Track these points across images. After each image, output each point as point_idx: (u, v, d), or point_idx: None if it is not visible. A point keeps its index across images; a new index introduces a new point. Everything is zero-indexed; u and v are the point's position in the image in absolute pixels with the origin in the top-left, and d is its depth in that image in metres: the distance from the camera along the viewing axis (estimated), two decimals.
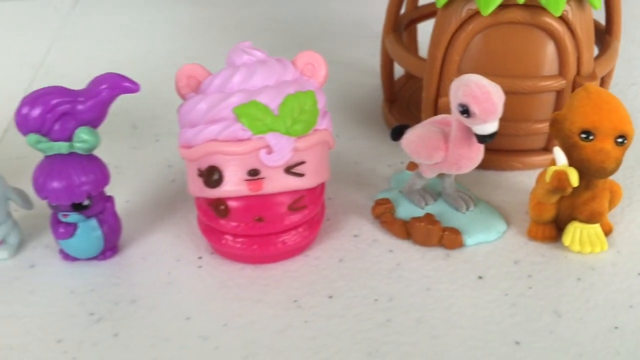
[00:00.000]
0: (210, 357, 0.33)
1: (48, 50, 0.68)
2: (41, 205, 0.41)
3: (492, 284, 0.37)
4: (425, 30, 0.57)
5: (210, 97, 0.37)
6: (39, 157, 0.49)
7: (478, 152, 0.37)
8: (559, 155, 0.36)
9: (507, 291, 0.36)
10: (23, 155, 0.50)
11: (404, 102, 0.54)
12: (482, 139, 0.35)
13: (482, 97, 0.34)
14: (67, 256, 0.39)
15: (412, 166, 0.46)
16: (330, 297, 0.36)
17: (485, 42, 0.43)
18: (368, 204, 0.43)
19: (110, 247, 0.39)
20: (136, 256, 0.40)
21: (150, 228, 0.42)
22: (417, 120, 0.49)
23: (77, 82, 0.61)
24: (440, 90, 0.45)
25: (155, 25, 0.74)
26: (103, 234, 0.38)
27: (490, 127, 0.35)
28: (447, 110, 0.45)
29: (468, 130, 0.36)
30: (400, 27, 0.52)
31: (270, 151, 0.36)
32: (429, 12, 0.55)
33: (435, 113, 0.46)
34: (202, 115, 0.37)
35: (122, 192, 0.44)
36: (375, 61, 0.64)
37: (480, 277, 0.37)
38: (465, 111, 0.34)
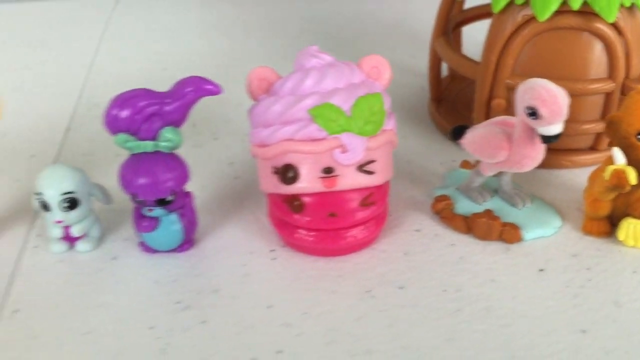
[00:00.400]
0: (294, 343, 0.35)
1: (96, 50, 0.70)
2: (117, 201, 0.43)
3: (553, 276, 0.39)
4: (466, 32, 0.59)
5: (284, 99, 0.39)
6: (104, 155, 0.52)
7: (540, 152, 0.39)
8: (618, 155, 0.38)
9: (568, 283, 0.38)
10: (88, 153, 0.52)
11: (450, 101, 0.56)
12: (546, 139, 0.37)
13: (549, 100, 0.36)
14: (147, 248, 0.42)
15: (466, 164, 0.48)
16: (401, 287, 0.39)
17: (538, 46, 0.45)
18: (425, 200, 0.46)
19: (187, 241, 0.42)
20: (211, 249, 0.42)
21: (221, 223, 0.44)
22: (464, 119, 0.51)
23: (130, 82, 0.63)
24: (493, 93, 0.47)
25: (193, 25, 0.77)
26: (183, 228, 0.41)
27: (555, 128, 0.37)
28: (500, 112, 0.47)
29: (532, 131, 0.38)
30: (449, 29, 0.54)
31: (344, 150, 0.38)
32: (473, 15, 0.57)
33: (487, 114, 0.48)
34: (277, 116, 0.39)
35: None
36: (414, 62, 0.67)
37: (541, 270, 0.39)
38: (533, 113, 0.36)
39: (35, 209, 0.41)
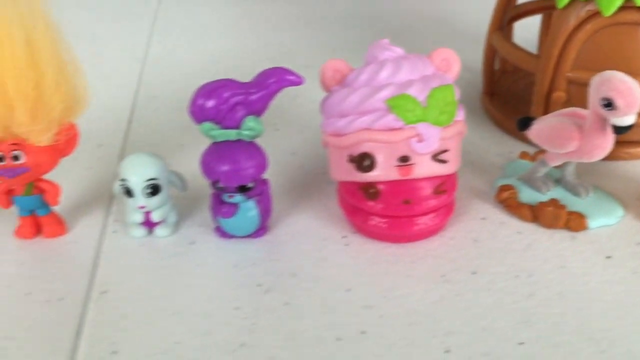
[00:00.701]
0: (377, 323, 0.37)
1: (147, 44, 0.71)
2: (190, 188, 0.45)
3: (620, 263, 0.40)
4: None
5: (360, 90, 0.41)
6: (169, 145, 0.53)
7: (611, 142, 0.40)
8: None
9: (636, 269, 0.40)
10: (153, 143, 0.54)
11: (502, 95, 0.58)
12: (619, 130, 0.39)
13: (626, 91, 0.37)
14: (224, 234, 0.43)
15: (525, 155, 0.49)
16: (474, 273, 0.40)
17: (599, 40, 0.46)
18: (487, 190, 0.47)
19: (262, 227, 0.43)
20: (285, 235, 0.43)
21: (291, 210, 0.45)
22: (518, 111, 0.52)
23: (184, 75, 0.64)
24: (554, 85, 0.48)
25: (240, 19, 0.78)
26: (259, 214, 0.42)
27: (629, 119, 0.38)
28: (560, 104, 0.48)
29: (604, 122, 0.39)
30: (504, 24, 0.55)
31: (420, 139, 0.40)
32: (525, 11, 0.58)
33: (547, 106, 0.49)
34: (354, 106, 0.40)
35: None
36: (462, 56, 0.68)
37: (608, 257, 0.41)
38: (608, 104, 0.38)
39: (115, 194, 0.43)
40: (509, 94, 0.57)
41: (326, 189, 0.48)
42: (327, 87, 0.43)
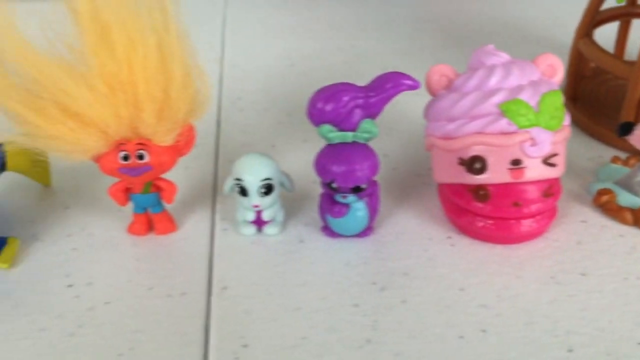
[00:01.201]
0: (496, 323, 0.38)
1: (222, 45, 0.73)
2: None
3: None
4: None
5: (472, 95, 0.42)
6: (261, 145, 0.55)
7: None
8: None
9: None
10: (245, 143, 0.55)
11: (586, 99, 0.58)
12: None
13: None
14: (331, 233, 0.44)
15: (617, 160, 0.50)
16: (583, 274, 0.41)
17: None
18: (582, 193, 0.48)
19: (369, 227, 0.44)
20: (390, 235, 0.45)
21: (392, 211, 0.47)
22: (603, 116, 0.54)
23: (264, 77, 0.65)
24: None
25: (303, 22, 0.79)
26: (368, 214, 0.43)
27: None
28: None
29: None
30: (591, 30, 0.56)
31: (533, 143, 0.41)
32: (606, 17, 0.59)
33: (638, 112, 0.50)
34: (465, 110, 0.42)
35: None
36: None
37: None
38: None
39: (226, 193, 0.44)
40: (592, 99, 0.58)
41: (423, 190, 0.49)
42: (433, 92, 0.44)
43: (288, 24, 0.78)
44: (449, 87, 0.44)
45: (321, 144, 0.54)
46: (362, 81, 0.59)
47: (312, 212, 0.47)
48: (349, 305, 0.39)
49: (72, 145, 0.39)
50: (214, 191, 0.50)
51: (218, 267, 0.42)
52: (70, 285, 0.41)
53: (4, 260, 0.42)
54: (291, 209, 0.47)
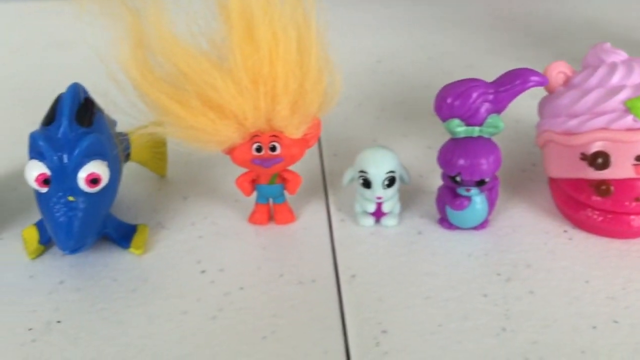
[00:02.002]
0: (626, 314, 0.38)
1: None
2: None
3: None
4: None
5: (595, 91, 0.43)
6: (361, 140, 0.56)
7: None
8: None
9: None
10: (346, 138, 0.57)
11: None
12: None
13: None
14: (449, 225, 0.45)
15: None
16: None
17: None
18: None
19: (486, 220, 0.45)
20: (507, 228, 0.46)
21: (503, 205, 0.47)
22: None
23: (352, 73, 0.64)
24: None
25: (384, 20, 0.81)
26: (487, 208, 0.44)
27: None
28: None
29: None
30: None
31: None
32: None
33: None
34: (589, 107, 0.42)
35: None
36: None
37: None
38: None
39: (345, 184, 0.46)
40: None
41: (530, 185, 0.50)
42: (552, 88, 0.45)
43: (369, 23, 0.79)
44: (567, 84, 0.45)
45: (421, 138, 0.56)
46: (450, 78, 0.60)
47: (425, 204, 0.48)
48: (479, 295, 0.40)
49: (211, 135, 0.41)
50: (324, 183, 0.51)
51: (342, 256, 0.44)
52: (203, 271, 0.43)
53: (137, 246, 0.44)
54: (404, 201, 0.48)
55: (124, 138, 0.46)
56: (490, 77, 0.43)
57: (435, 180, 0.50)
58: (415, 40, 0.75)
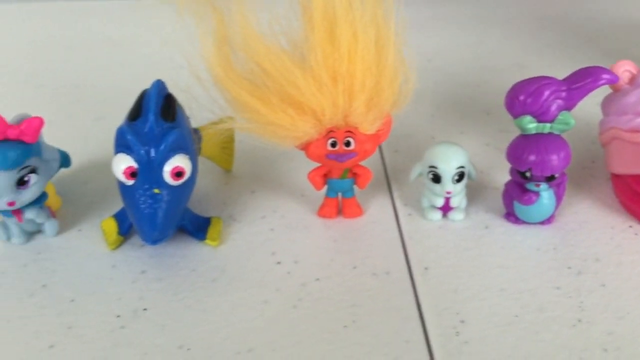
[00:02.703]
0: None
1: None
2: None
3: None
4: None
5: None
6: (422, 137, 0.57)
7: None
8: None
9: None
10: (406, 134, 0.58)
11: None
12: None
13: None
14: (516, 220, 0.46)
15: None
16: None
17: None
18: None
19: (552, 215, 0.46)
20: (573, 223, 0.47)
21: (568, 201, 0.48)
22: None
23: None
24: None
25: (428, 20, 0.82)
26: (555, 203, 0.45)
27: None
28: None
29: None
30: None
31: None
32: None
33: None
34: None
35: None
36: None
37: None
38: None
39: (412, 179, 0.47)
40: None
41: (591, 182, 0.51)
42: (617, 87, 0.46)
43: (415, 22, 0.80)
44: (632, 82, 0.46)
45: (478, 136, 0.57)
46: (501, 76, 0.61)
47: (489, 200, 0.49)
48: (551, 288, 0.41)
49: (289, 131, 0.42)
50: (387, 179, 0.52)
51: (412, 249, 0.45)
52: (278, 263, 0.44)
53: (212, 238, 0.45)
54: (469, 197, 0.49)
55: (196, 134, 0.48)
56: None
57: (496, 176, 0.51)
58: (461, 39, 0.76)
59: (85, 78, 0.69)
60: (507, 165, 0.46)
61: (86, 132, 0.59)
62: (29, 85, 0.68)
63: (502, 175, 0.51)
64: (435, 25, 0.80)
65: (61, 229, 0.47)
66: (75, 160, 0.54)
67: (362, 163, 0.46)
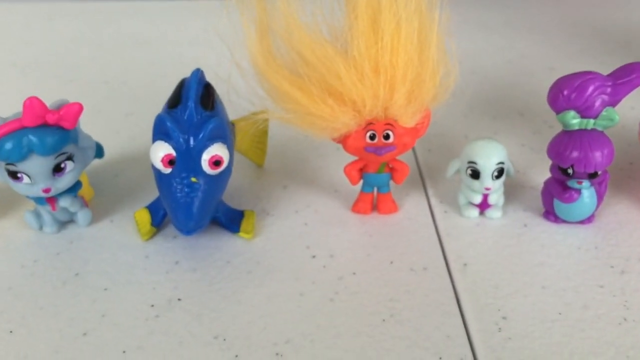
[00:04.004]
0: None
1: None
2: None
3: None
4: None
5: None
6: (454, 135, 0.56)
7: None
8: None
9: None
10: (439, 133, 0.57)
11: None
12: None
13: None
14: (555, 218, 0.45)
15: None
16: None
17: None
18: None
19: (592, 214, 0.45)
20: (613, 223, 0.46)
21: (607, 201, 0.47)
22: None
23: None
24: None
25: (457, 23, 0.81)
26: (596, 202, 0.44)
27: None
28: None
29: None
30: None
31: None
32: None
33: None
34: None
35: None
36: None
37: None
38: None
39: (449, 176, 0.46)
40: None
41: (629, 183, 0.50)
42: None
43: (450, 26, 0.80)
44: None
45: (513, 136, 0.56)
46: (534, 79, 0.60)
47: (527, 198, 0.48)
48: (595, 286, 0.40)
49: (328, 122, 0.42)
50: (421, 177, 0.52)
51: (449, 245, 0.44)
52: (314, 256, 0.43)
53: (246, 230, 0.45)
54: (506, 195, 0.48)
55: (231, 127, 0.47)
56: None
57: (533, 176, 0.51)
58: (491, 43, 0.75)
59: (115, 75, 0.69)
60: (544, 166, 0.46)
61: (117, 127, 0.59)
62: (61, 80, 0.68)
63: (539, 175, 0.50)
64: (466, 29, 0.79)
65: (93, 220, 0.46)
66: (106, 154, 0.54)
67: (399, 158, 0.45)
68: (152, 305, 0.39)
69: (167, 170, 0.41)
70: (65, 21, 0.84)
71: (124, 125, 0.59)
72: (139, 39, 0.79)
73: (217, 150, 0.41)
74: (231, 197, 0.49)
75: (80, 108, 0.41)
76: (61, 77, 0.69)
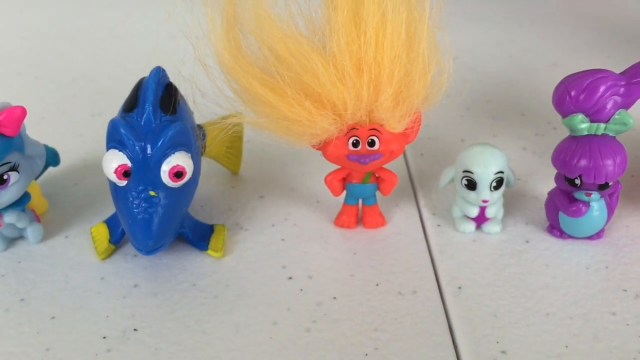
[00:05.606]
0: None
1: None
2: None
3: None
4: None
5: None
6: (448, 139, 0.51)
7: None
8: None
9: None
10: (432, 136, 0.52)
11: None
12: None
13: None
14: (561, 234, 0.41)
15: None
16: None
17: None
18: None
19: (602, 229, 0.41)
20: (626, 238, 0.41)
21: (617, 213, 0.43)
22: None
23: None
24: None
25: (455, 17, 0.76)
26: (606, 215, 0.40)
27: None
28: None
29: None
30: None
31: None
32: None
33: None
34: None
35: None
36: None
37: None
38: None
39: (442, 186, 0.41)
40: None
41: (633, 195, 0.45)
42: None
43: (442, 18, 0.75)
44: None
45: (514, 139, 0.51)
46: (537, 75, 0.55)
47: (529, 210, 0.43)
48: (606, 313, 0.36)
49: (305, 127, 0.37)
50: (412, 185, 0.47)
51: (442, 265, 0.39)
52: (290, 278, 0.38)
53: (215, 248, 0.40)
54: (505, 206, 0.43)
55: (200, 131, 0.43)
56: None
57: (536, 184, 0.46)
58: (491, 37, 0.70)
59: (83, 71, 0.64)
60: (548, 172, 0.41)
61: (82, 129, 0.54)
62: (24, 77, 0.63)
63: (543, 183, 0.46)
64: (462, 22, 0.74)
65: (46, 235, 0.41)
66: (68, 159, 0.49)
67: (386, 166, 0.40)
68: (104, 337, 0.35)
69: (122, 182, 0.36)
70: (34, 12, 0.79)
71: (89, 127, 0.54)
72: (113, 32, 0.74)
73: (178, 159, 0.36)
74: (201, 209, 0.44)
75: (23, 112, 0.36)
76: (25, 73, 0.64)
